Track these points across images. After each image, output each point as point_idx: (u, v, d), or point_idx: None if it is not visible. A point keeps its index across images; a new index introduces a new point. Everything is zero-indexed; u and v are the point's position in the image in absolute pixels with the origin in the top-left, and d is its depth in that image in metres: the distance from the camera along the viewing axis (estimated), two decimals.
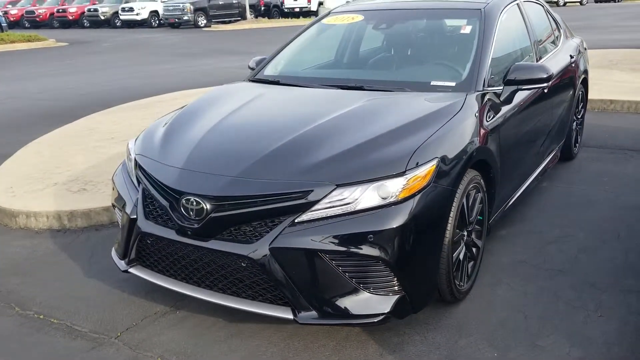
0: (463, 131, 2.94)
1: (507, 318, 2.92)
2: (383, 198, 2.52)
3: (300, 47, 4.26)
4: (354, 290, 2.54)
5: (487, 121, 3.20)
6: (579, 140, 5.53)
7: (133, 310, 3.14)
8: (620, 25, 19.53)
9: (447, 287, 2.85)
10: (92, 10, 33.01)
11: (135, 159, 3.10)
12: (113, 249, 3.30)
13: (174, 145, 3.05)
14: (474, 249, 3.14)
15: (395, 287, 2.56)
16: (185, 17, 29.36)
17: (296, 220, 2.52)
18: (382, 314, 2.55)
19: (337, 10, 4.46)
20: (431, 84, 3.41)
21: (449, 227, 2.73)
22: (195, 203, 2.64)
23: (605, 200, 4.44)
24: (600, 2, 44.78)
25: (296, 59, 4.20)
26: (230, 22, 31.05)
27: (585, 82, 5.45)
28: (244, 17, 32.12)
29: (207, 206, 2.62)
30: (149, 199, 2.91)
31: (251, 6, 33.11)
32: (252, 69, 4.30)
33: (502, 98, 3.45)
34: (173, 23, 29.74)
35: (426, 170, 2.61)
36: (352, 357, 2.66)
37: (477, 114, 3.12)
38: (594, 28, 18.65)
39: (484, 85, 3.33)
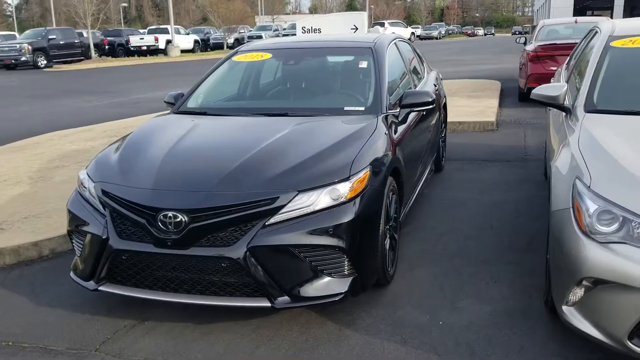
0: (382, 144, 3.65)
1: (428, 292, 3.63)
2: (334, 199, 3.11)
3: (216, 82, 4.75)
4: (319, 276, 3.09)
5: (394, 137, 3.95)
6: (444, 154, 6.58)
7: (102, 327, 3.37)
8: (449, 60, 22.22)
9: (382, 271, 3.49)
10: None
11: (100, 187, 3.37)
12: (72, 274, 3.50)
13: (135, 171, 3.38)
14: (393, 241, 3.83)
15: (351, 270, 3.15)
16: (24, 58, 27.80)
17: (266, 223, 3.02)
18: (342, 293, 3.12)
19: (244, 49, 5.02)
20: (344, 109, 4.10)
21: (382, 220, 3.40)
22: (173, 217, 3.03)
23: (474, 200, 5.43)
24: (424, 39, 49.77)
25: (215, 92, 4.68)
26: (72, 61, 29.93)
27: (445, 107, 6.54)
28: (87, 57, 31.16)
29: (186, 219, 3.01)
30: (119, 219, 3.22)
31: (95, 45, 32.22)
32: (171, 103, 4.64)
33: (399, 119, 4.23)
34: (9, 64, 27.97)
35: (363, 175, 3.26)
36: (317, 335, 3.19)
37: (387, 132, 3.85)
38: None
39: (386, 109, 4.08)
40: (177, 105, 4.55)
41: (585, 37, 5.20)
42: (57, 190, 5.73)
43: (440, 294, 3.61)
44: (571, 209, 2.73)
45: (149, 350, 3.11)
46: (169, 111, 4.57)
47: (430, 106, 4.29)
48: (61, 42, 29.65)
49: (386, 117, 4.02)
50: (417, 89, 5.12)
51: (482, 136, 8.21)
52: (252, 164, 3.25)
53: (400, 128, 4.19)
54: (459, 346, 3.03)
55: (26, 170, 6.69)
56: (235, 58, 4.92)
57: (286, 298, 3.05)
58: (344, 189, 3.13)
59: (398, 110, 4.24)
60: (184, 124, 3.99)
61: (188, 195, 3.09)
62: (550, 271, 2.98)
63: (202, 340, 3.19)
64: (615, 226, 2.53)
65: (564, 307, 2.75)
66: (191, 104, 4.53)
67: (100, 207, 3.34)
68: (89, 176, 3.54)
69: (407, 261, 4.06)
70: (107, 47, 34.17)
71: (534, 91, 3.93)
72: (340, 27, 10.76)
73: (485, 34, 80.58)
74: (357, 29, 10.65)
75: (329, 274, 3.11)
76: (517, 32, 73.69)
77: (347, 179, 3.17)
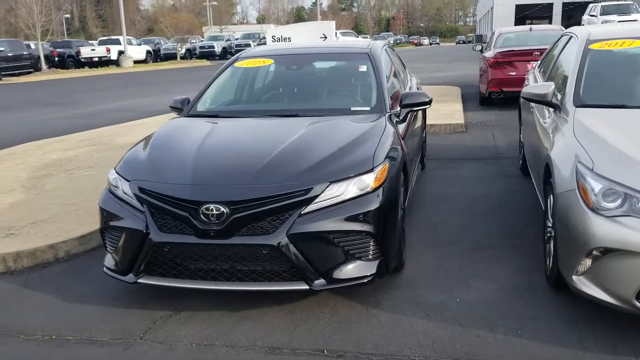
0: (393, 140, 3.96)
1: (439, 274, 3.95)
2: (361, 189, 3.40)
3: (222, 87, 4.97)
4: (350, 260, 3.36)
5: (399, 134, 4.27)
6: (425, 153, 6.97)
7: (140, 318, 3.53)
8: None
9: (399, 255, 3.80)
10: None
11: (136, 185, 3.53)
12: (106, 269, 3.66)
13: (169, 168, 3.58)
14: (402, 230, 4.14)
15: (377, 254, 3.44)
16: None
17: (302, 212, 3.27)
18: (371, 274, 3.40)
19: (244, 55, 5.25)
20: (351, 109, 4.41)
21: (400, 208, 3.70)
22: (214, 209, 3.24)
23: (459, 193, 5.82)
24: None
25: (222, 96, 4.90)
26: (21, 74, 29.18)
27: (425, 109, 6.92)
28: (37, 69, 30.44)
29: (227, 210, 3.24)
30: (159, 214, 3.40)
31: (44, 57, 31.51)
32: (178, 108, 4.82)
33: (400, 117, 4.56)
34: None
35: (384, 167, 3.56)
36: (346, 315, 3.46)
37: (394, 129, 4.17)
38: None
39: (389, 108, 4.41)
40: (187, 109, 4.74)
41: (556, 43, 5.68)
42: (53, 198, 5.79)
43: (450, 275, 3.94)
44: (577, 190, 3.11)
45: (192, 336, 3.30)
46: (178, 115, 4.76)
47: (428, 105, 4.64)
48: (9, 54, 28.86)
49: (390, 116, 4.34)
50: (406, 90, 5.47)
51: (453, 137, 8.67)
52: (283, 159, 3.50)
53: (402, 126, 4.53)
54: (478, 318, 3.36)
55: (14, 179, 6.69)
56: (237, 64, 5.15)
57: (322, 280, 3.31)
58: (369, 180, 3.43)
59: (399, 109, 4.57)
60: (204, 125, 4.21)
61: (228, 188, 3.32)
62: (557, 247, 3.35)
63: (241, 324, 3.40)
64: (618, 202, 2.92)
65: (574, 277, 3.12)
66: (200, 107, 4.73)
67: (136, 204, 3.51)
68: (120, 175, 3.70)
69: (411, 248, 4.38)
70: (56, 58, 33.44)
71: (523, 90, 4.34)
72: (310, 36, 11.09)
73: (430, 44, 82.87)
74: (326, 37, 11.01)
75: (359, 258, 3.39)
76: (461, 42, 76.18)
77: (371, 170, 3.46)
